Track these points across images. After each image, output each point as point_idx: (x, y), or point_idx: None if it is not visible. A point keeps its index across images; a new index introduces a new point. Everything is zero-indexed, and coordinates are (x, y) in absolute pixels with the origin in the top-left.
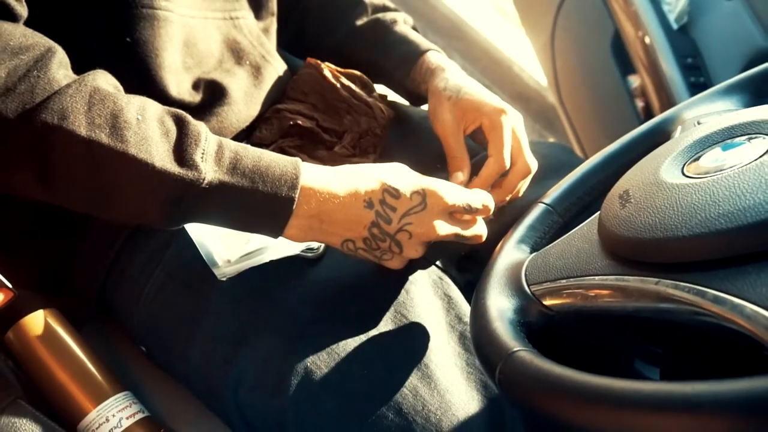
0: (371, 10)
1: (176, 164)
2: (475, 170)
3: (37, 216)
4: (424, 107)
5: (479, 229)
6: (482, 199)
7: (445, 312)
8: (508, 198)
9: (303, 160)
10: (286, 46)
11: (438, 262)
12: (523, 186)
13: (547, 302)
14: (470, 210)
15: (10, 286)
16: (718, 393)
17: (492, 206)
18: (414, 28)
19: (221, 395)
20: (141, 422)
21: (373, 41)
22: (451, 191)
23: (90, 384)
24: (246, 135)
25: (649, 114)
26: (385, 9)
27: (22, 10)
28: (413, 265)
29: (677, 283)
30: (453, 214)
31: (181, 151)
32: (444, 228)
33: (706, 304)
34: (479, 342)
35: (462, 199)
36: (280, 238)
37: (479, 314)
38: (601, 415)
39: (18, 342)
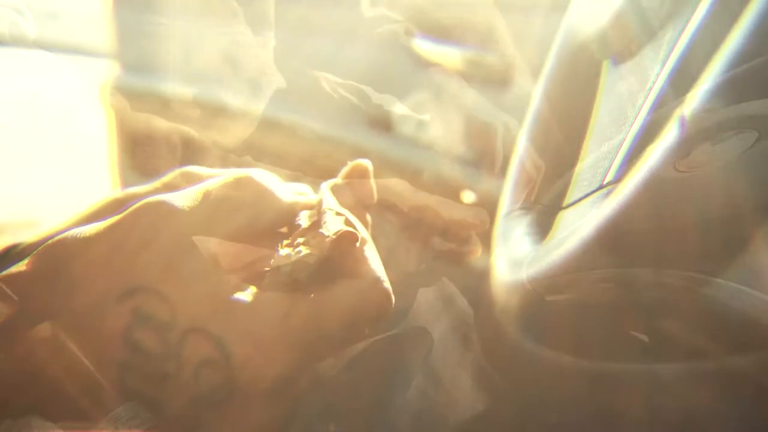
0: None
1: None
2: None
3: None
4: None
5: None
6: None
7: (446, 315)
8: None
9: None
10: None
11: None
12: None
13: (548, 297)
14: None
15: (16, 298)
16: None
17: None
18: None
19: None
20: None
21: None
22: None
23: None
24: (246, 146)
25: None
26: None
27: None
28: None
29: (671, 271)
30: None
31: None
32: None
33: (699, 288)
34: (484, 336)
35: None
36: None
37: (482, 311)
38: None
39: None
